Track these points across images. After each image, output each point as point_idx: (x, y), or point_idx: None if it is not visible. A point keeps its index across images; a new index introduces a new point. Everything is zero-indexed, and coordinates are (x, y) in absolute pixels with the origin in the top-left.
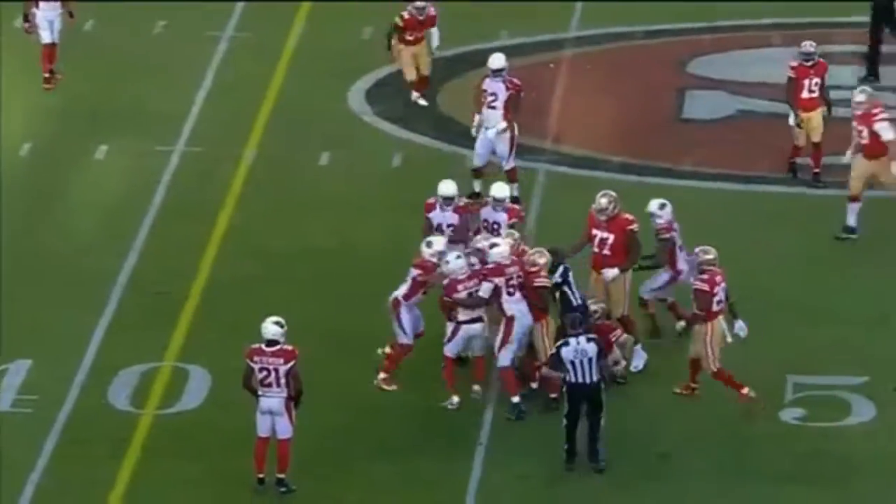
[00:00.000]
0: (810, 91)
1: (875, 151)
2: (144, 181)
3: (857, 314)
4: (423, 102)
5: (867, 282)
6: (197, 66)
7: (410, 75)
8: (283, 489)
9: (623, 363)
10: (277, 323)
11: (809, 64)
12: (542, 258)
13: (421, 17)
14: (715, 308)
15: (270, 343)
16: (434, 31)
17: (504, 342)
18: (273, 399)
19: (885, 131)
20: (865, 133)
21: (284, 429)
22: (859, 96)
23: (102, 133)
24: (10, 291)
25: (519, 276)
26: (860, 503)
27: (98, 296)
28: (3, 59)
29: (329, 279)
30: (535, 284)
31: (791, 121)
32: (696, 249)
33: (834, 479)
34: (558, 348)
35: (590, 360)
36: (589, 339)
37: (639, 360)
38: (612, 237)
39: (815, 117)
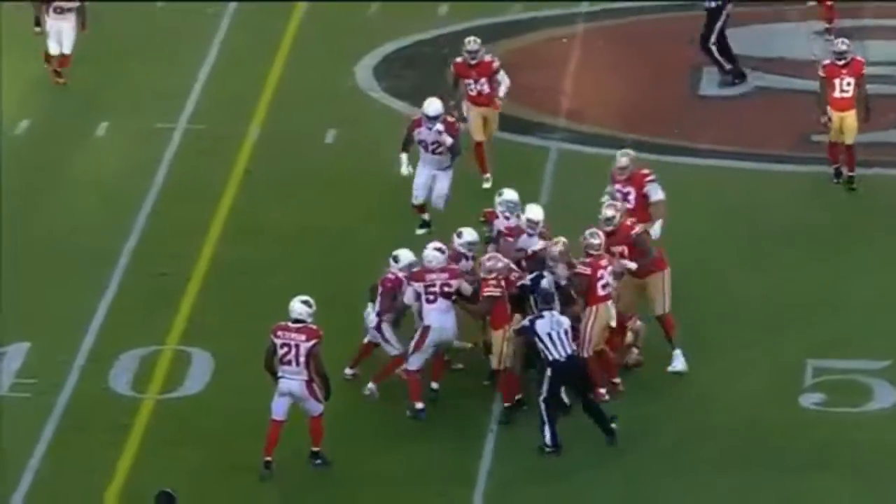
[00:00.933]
0: (842, 91)
1: (644, 216)
2: (146, 159)
3: (880, 296)
4: (487, 186)
5: (890, 263)
6: (200, 42)
7: (478, 136)
8: (318, 461)
9: (636, 351)
10: (305, 302)
11: (842, 63)
12: (499, 263)
13: (472, 62)
14: (600, 293)
15: (297, 321)
16: (503, 78)
17: (415, 349)
18: (293, 381)
19: (655, 192)
20: (633, 196)
21: (314, 408)
22: (622, 160)
23: (103, 110)
24: (7, 273)
25: (445, 284)
26: (882, 491)
27: (98, 277)
28: (0, 34)
29: (335, 260)
30: (485, 293)
31: (822, 120)
32: (585, 232)
33: (854, 466)
34: (532, 321)
35: (565, 331)
36: (562, 313)
37: (678, 363)
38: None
39: (849, 118)
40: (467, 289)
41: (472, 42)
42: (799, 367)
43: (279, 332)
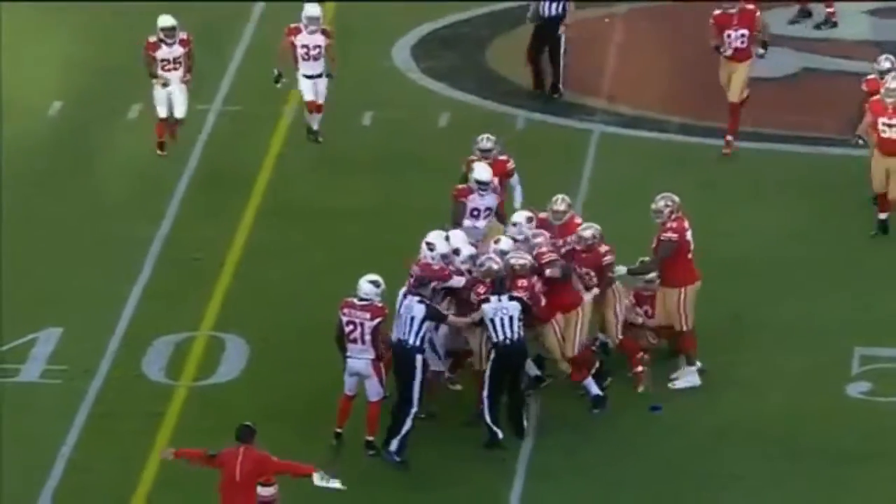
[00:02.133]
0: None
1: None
2: (179, 142)
3: None
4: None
5: None
6: (235, 23)
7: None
8: (371, 452)
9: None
10: (373, 282)
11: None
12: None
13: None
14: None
15: (362, 300)
16: (516, 184)
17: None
18: (359, 361)
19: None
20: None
21: (374, 391)
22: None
23: (135, 91)
24: (39, 257)
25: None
26: None
27: (131, 262)
28: (31, 14)
29: (371, 244)
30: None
31: (853, 141)
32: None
33: None
34: (479, 303)
35: (510, 317)
36: (511, 298)
37: (685, 382)
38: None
39: None
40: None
41: (485, 140)
42: (846, 356)
43: (345, 309)
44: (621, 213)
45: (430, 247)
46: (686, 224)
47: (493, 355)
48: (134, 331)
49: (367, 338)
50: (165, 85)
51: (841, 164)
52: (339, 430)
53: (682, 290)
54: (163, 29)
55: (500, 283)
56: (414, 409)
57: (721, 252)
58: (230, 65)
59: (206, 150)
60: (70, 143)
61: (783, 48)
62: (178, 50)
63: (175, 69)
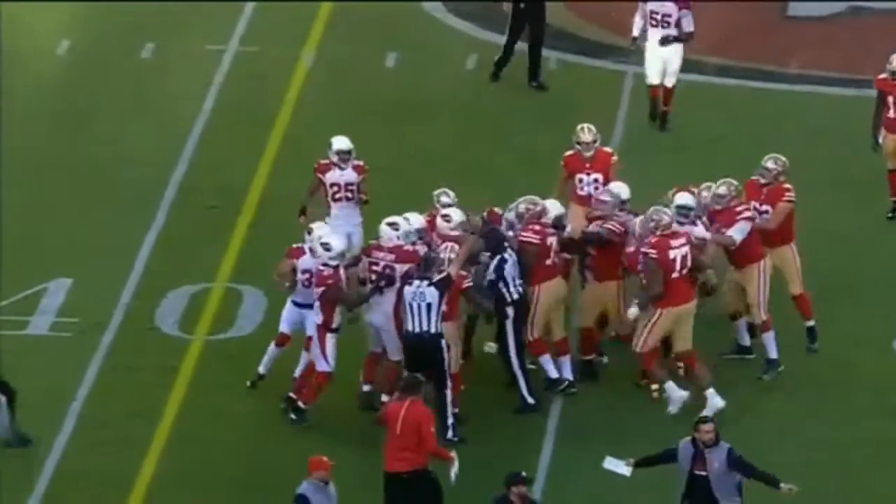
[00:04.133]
0: None
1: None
2: (194, 83)
3: None
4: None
5: None
6: None
7: None
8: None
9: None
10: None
11: None
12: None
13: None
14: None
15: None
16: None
17: None
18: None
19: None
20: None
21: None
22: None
23: (148, 30)
24: (48, 204)
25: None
26: None
27: (144, 210)
28: None
29: (393, 192)
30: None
31: (872, 144)
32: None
33: None
34: (402, 285)
35: (428, 305)
36: (430, 284)
37: (712, 406)
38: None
39: None
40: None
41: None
42: (893, 309)
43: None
44: (656, 155)
45: (394, 227)
46: (674, 242)
47: (404, 350)
48: (147, 282)
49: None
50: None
51: None
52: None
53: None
54: (338, 152)
55: (427, 263)
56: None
57: None
58: (247, 3)
59: (221, 93)
60: (79, 85)
61: None
62: (351, 175)
63: (347, 198)
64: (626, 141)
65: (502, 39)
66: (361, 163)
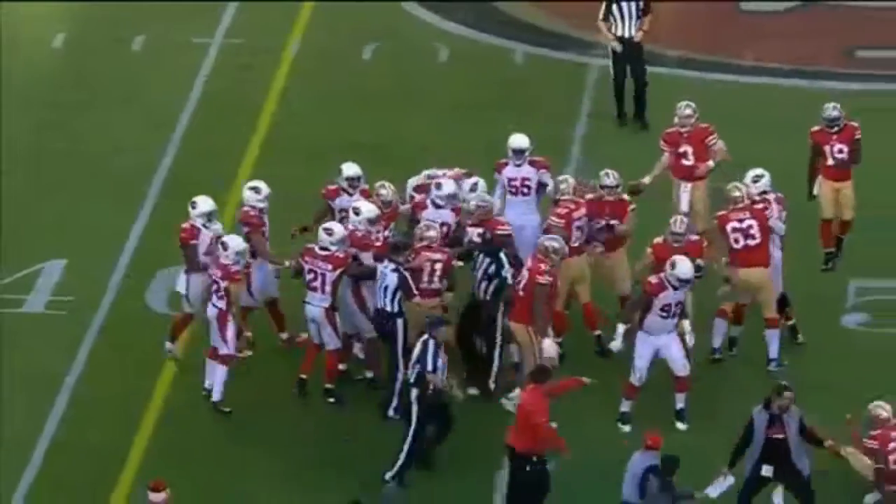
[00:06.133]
0: (835, 158)
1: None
2: (182, 74)
3: None
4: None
5: None
6: None
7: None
8: (331, 399)
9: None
10: (327, 230)
11: (833, 130)
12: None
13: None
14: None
15: (323, 249)
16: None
17: None
18: (315, 308)
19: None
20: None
21: (331, 341)
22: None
23: (139, 24)
24: (43, 189)
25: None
26: None
27: (135, 195)
28: None
29: (373, 177)
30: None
31: (808, 193)
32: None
33: None
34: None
35: (385, 287)
36: (394, 270)
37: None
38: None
39: (844, 190)
40: None
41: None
42: (841, 288)
43: (307, 258)
44: (619, 144)
45: (356, 211)
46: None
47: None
48: (138, 262)
49: (328, 288)
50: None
51: (833, 98)
52: (303, 377)
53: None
54: (347, 178)
55: (395, 248)
56: (400, 373)
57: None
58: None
59: (209, 83)
60: (74, 75)
61: None
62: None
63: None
64: (589, 130)
65: (470, 32)
66: (367, 187)
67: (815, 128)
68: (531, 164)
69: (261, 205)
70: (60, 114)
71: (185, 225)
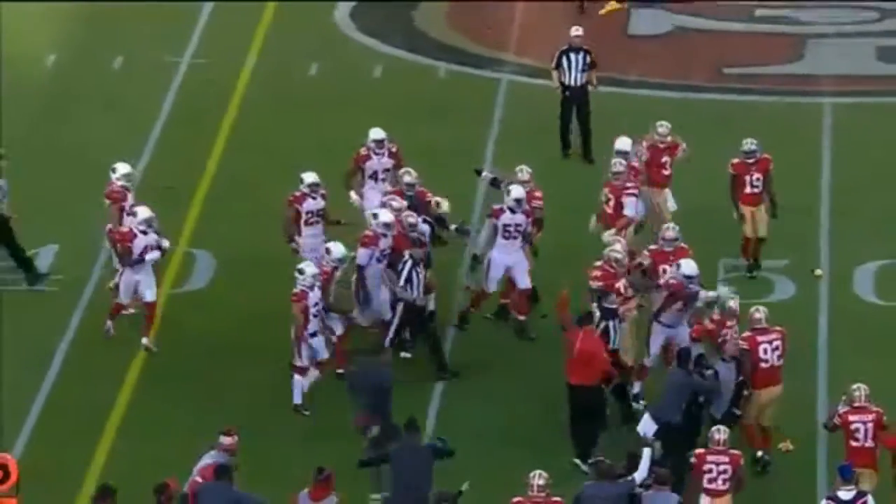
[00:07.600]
0: (753, 186)
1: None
2: (156, 88)
3: (787, 203)
4: None
5: (796, 177)
6: None
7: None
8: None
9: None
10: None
11: (751, 161)
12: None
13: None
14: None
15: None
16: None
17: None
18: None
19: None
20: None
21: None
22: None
23: (119, 46)
24: (39, 185)
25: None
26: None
27: None
28: None
29: (323, 174)
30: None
31: (735, 216)
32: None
33: None
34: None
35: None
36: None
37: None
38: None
39: (759, 212)
40: None
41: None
42: (713, 265)
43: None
44: (527, 150)
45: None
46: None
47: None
48: None
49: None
50: (296, 252)
51: (705, 108)
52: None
53: None
54: (310, 185)
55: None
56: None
57: None
58: (198, 22)
59: (178, 95)
60: (63, 89)
61: (658, 10)
62: (387, 161)
63: (317, 222)
64: (500, 137)
65: (401, 53)
66: (325, 192)
67: (735, 160)
68: (523, 212)
69: (122, 182)
70: (52, 121)
71: (124, 229)
